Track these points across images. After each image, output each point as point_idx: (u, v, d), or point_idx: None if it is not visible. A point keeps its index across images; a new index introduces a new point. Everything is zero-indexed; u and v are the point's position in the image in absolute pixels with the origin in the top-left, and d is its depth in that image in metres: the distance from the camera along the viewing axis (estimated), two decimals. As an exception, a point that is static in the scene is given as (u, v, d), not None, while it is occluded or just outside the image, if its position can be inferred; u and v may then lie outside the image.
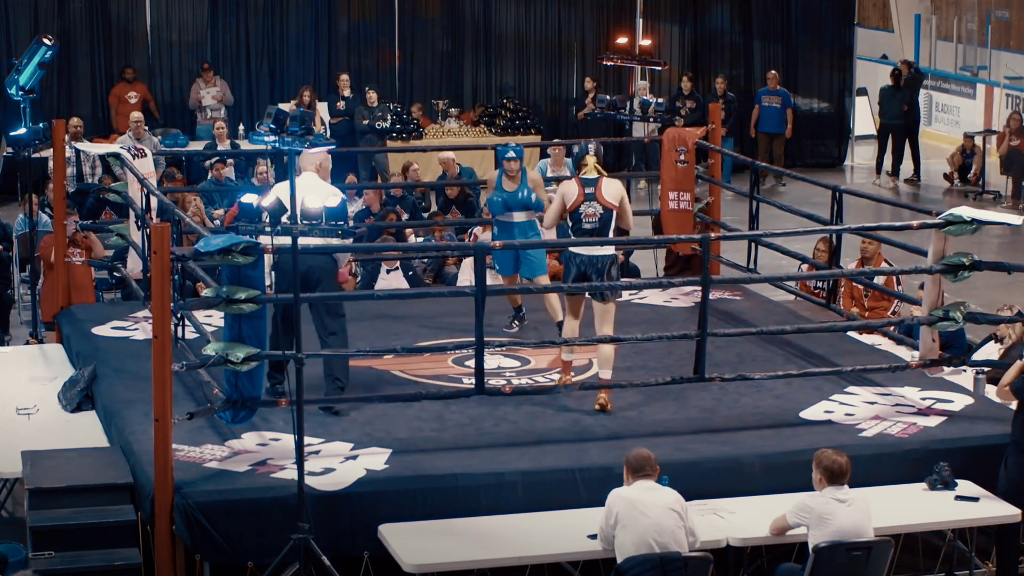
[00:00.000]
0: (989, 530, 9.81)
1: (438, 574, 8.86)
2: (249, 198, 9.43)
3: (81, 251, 14.12)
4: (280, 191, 10.29)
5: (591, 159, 10.93)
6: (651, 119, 15.16)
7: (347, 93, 21.98)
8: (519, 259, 12.44)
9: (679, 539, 8.65)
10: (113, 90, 22.44)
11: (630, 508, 8.63)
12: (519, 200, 12.28)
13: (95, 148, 16.66)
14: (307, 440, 9.17)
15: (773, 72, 24.27)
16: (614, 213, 10.86)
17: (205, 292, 9.79)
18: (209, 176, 18.23)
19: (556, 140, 21.38)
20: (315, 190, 10.45)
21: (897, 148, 24.18)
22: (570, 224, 10.93)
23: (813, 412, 10.76)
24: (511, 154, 12.18)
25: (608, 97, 15.47)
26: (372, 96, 21.66)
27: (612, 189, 10.89)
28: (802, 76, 25.63)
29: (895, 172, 24.21)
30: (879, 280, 13.08)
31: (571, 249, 10.85)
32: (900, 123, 24.06)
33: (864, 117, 27.07)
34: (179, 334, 10.73)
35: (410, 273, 14.82)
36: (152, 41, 23.13)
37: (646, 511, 8.61)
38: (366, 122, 21.50)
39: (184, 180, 18.90)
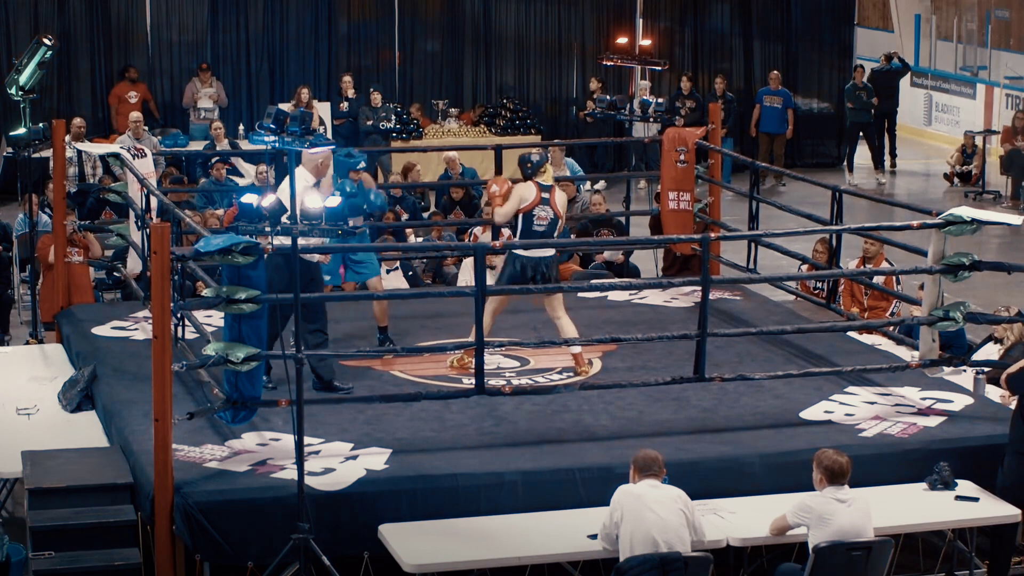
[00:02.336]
0: (989, 530, 9.81)
1: (438, 574, 8.86)
2: (249, 198, 9.40)
3: (79, 250, 14.11)
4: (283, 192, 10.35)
5: (550, 167, 11.66)
6: (651, 119, 15.16)
7: (351, 94, 21.96)
8: (347, 266, 12.29)
9: (683, 537, 8.67)
10: (114, 90, 22.44)
11: (637, 503, 8.65)
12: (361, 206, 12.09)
13: (95, 148, 16.67)
14: (307, 440, 9.17)
15: (775, 72, 24.28)
16: (559, 221, 11.56)
17: (205, 292, 9.79)
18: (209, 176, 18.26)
19: (556, 140, 21.39)
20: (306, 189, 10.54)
21: (876, 143, 24.43)
22: (520, 225, 11.47)
23: (813, 412, 10.76)
24: (362, 164, 12.02)
25: (608, 97, 15.47)
26: (376, 97, 21.66)
27: (561, 199, 11.67)
28: (802, 76, 25.64)
29: (883, 168, 24.34)
30: (879, 280, 13.08)
31: (514, 251, 11.34)
32: (861, 120, 24.19)
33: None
34: (179, 334, 10.73)
35: (410, 273, 14.81)
36: (152, 41, 23.13)
37: (652, 507, 8.64)
38: (370, 122, 21.49)
39: (193, 182, 18.92)
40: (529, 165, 11.53)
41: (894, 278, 13.13)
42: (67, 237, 13.80)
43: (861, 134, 24.63)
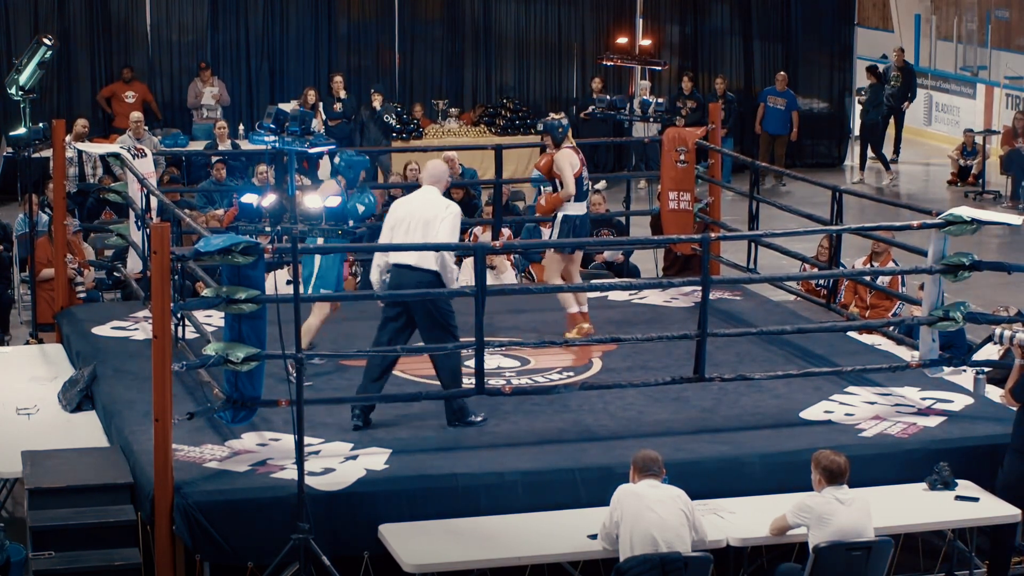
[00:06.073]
0: (989, 530, 9.81)
1: (438, 574, 8.87)
2: (249, 198, 9.40)
3: (74, 258, 14.11)
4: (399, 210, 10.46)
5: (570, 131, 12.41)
6: (651, 119, 15.17)
7: (342, 95, 21.94)
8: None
9: (683, 537, 8.67)
10: (107, 88, 22.40)
11: (637, 503, 8.66)
12: None
13: (95, 148, 16.67)
14: (307, 440, 9.17)
15: (782, 73, 24.21)
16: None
17: (205, 292, 9.79)
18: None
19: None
20: (431, 204, 10.44)
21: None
22: (575, 188, 12.18)
23: (813, 412, 10.76)
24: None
25: (608, 97, 15.47)
26: (378, 99, 21.64)
27: None
28: (802, 76, 25.62)
29: (887, 167, 24.35)
30: (883, 281, 13.08)
31: (569, 212, 12.18)
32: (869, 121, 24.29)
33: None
34: (179, 334, 10.74)
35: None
36: (152, 41, 23.13)
37: (653, 507, 8.64)
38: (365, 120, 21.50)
39: (193, 182, 18.90)
40: (560, 130, 12.17)
41: (899, 278, 13.12)
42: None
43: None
